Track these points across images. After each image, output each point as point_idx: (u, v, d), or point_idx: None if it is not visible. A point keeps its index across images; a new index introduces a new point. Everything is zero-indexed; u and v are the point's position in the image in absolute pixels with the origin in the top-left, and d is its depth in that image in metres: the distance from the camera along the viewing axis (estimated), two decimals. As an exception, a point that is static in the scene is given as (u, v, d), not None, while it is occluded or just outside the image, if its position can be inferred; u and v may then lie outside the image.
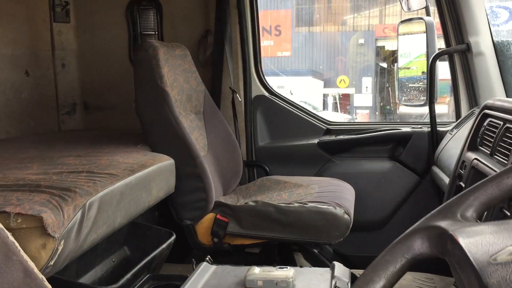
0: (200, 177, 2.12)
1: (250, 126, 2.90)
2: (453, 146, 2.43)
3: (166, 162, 1.94)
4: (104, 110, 3.19)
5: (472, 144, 1.58)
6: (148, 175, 1.76)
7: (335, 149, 2.83)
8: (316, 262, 2.64)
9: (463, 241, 0.65)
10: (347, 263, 2.70)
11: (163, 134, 2.14)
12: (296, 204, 2.10)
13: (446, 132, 2.68)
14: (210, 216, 2.19)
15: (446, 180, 2.30)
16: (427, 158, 2.71)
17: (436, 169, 2.57)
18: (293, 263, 2.52)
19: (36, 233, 1.16)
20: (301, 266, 1.70)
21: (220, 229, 2.14)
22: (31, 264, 1.00)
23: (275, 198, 2.40)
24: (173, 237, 1.80)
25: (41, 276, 1.00)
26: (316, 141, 2.84)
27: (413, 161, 2.74)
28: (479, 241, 0.63)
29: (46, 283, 1.00)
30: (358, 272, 2.10)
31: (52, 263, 1.18)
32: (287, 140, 2.91)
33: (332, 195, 2.26)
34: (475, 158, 1.45)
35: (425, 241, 0.74)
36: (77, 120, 3.22)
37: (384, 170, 2.78)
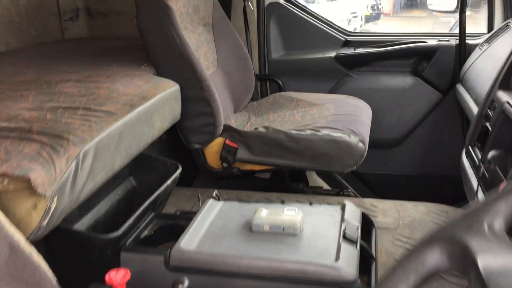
0: (207, 101, 2.01)
1: (263, 37, 2.70)
2: (481, 64, 2.24)
3: (170, 90, 1.81)
4: (108, 16, 3.00)
5: (505, 81, 1.42)
6: (150, 108, 1.65)
7: (353, 63, 2.65)
8: (330, 180, 2.60)
9: (488, 279, 0.55)
10: (362, 181, 2.65)
11: (167, 55, 1.99)
12: (308, 131, 2.00)
13: (475, 46, 2.47)
14: (219, 141, 2.11)
15: (470, 103, 2.16)
16: (452, 74, 2.54)
17: (460, 88, 2.41)
18: (305, 182, 2.48)
19: (25, 194, 1.09)
20: (310, 204, 1.64)
21: (229, 154, 2.07)
22: (17, 238, 0.94)
23: (288, 118, 2.29)
24: (179, 170, 1.73)
25: (28, 250, 0.94)
26: (333, 54, 2.65)
27: (436, 77, 2.57)
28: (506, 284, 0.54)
29: (35, 257, 0.95)
30: (371, 203, 2.05)
31: (45, 223, 1.12)
32: (302, 53, 2.72)
33: (347, 119, 2.14)
34: (507, 102, 1.30)
35: (444, 256, 0.64)
36: (81, 27, 3.04)
37: (405, 86, 2.62)
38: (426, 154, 2.70)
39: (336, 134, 1.98)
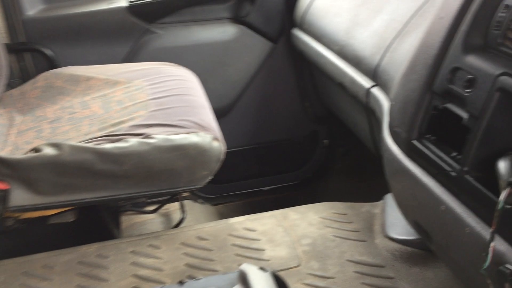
0: None
1: (6, -17, 1.70)
2: (325, 6, 1.73)
3: None
4: None
5: (474, 39, 0.85)
6: None
7: (153, 14, 1.87)
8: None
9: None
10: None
11: None
12: (132, 140, 1.21)
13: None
14: (-29, 181, 1.18)
15: (312, 45, 1.66)
16: (281, 17, 1.97)
17: (298, 33, 1.88)
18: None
19: None
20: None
21: (-4, 202, 1.17)
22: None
23: (81, 114, 1.45)
24: None
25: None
26: (125, 3, 1.82)
27: (265, 23, 1.97)
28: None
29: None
30: (240, 224, 1.41)
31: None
32: (74, 4, 1.81)
33: (181, 104, 1.42)
34: (505, 73, 0.76)
35: None
36: None
37: (226, 38, 1.96)
38: (262, 120, 2.15)
39: (178, 137, 1.25)
